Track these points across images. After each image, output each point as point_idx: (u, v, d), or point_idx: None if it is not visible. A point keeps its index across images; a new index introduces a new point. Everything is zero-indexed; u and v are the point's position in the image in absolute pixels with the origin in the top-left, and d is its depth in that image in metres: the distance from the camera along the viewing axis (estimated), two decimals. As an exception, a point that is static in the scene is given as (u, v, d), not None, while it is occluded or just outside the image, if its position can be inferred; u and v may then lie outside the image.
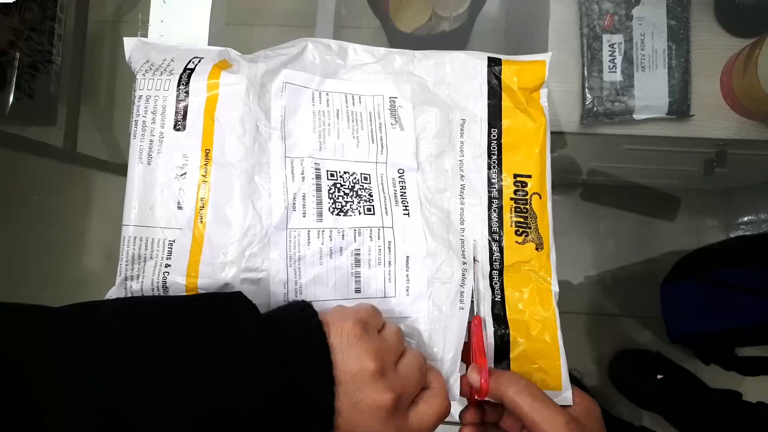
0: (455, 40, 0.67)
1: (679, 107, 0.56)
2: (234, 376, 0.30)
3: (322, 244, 0.43)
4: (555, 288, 0.46)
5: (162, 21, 0.53)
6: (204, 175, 0.43)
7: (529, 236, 0.46)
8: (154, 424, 0.27)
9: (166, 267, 0.42)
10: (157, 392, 0.28)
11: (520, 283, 0.46)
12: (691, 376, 0.80)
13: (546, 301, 0.45)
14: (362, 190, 0.45)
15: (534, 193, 0.47)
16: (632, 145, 0.59)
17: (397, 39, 0.68)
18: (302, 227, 0.43)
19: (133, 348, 0.30)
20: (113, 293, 0.43)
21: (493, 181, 0.47)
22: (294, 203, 0.43)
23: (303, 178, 0.44)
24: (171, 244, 0.42)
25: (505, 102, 0.47)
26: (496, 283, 0.46)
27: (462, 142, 0.48)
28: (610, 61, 0.56)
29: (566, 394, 0.43)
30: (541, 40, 0.60)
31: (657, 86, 0.56)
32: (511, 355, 0.44)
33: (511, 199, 0.47)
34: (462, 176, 0.47)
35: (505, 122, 0.47)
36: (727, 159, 0.61)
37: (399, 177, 0.46)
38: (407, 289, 0.44)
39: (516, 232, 0.46)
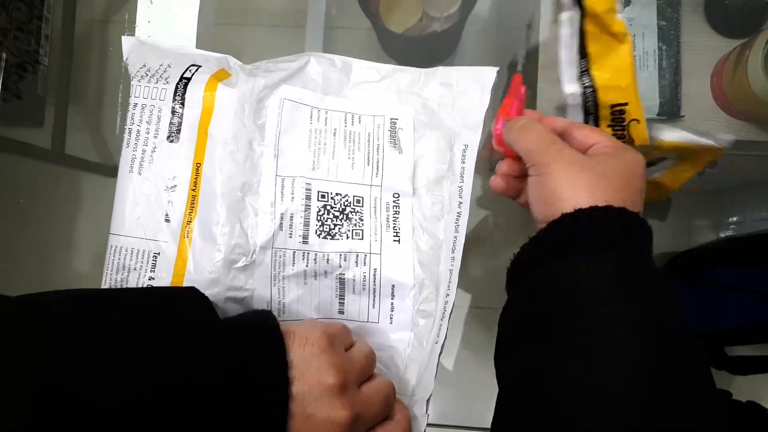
0: (446, 40, 0.67)
1: (670, 108, 0.56)
2: (185, 357, 0.30)
3: (307, 266, 0.42)
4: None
5: (149, 21, 0.53)
6: (193, 190, 0.43)
7: None
8: (98, 400, 0.27)
9: (149, 279, 0.41)
10: (103, 369, 0.28)
11: None
12: (682, 375, 0.80)
13: None
14: (353, 213, 0.44)
15: (632, 120, 0.46)
16: (623, 145, 0.59)
17: (387, 39, 0.67)
18: (288, 248, 0.42)
19: (81, 328, 0.29)
20: None
21: (590, 111, 0.46)
22: (281, 223, 0.42)
23: (293, 198, 0.43)
24: (156, 257, 0.42)
25: (590, 27, 0.44)
26: None
27: (463, 168, 0.46)
28: (600, 62, 0.56)
29: None
30: (532, 41, 0.59)
31: (647, 87, 0.56)
32: None
33: (609, 126, 0.46)
34: (460, 203, 0.46)
35: (593, 50, 0.44)
36: (718, 160, 0.61)
37: (393, 201, 0.45)
38: (391, 318, 0.43)
39: None
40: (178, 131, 0.43)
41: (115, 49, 0.60)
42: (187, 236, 0.42)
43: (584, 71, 0.46)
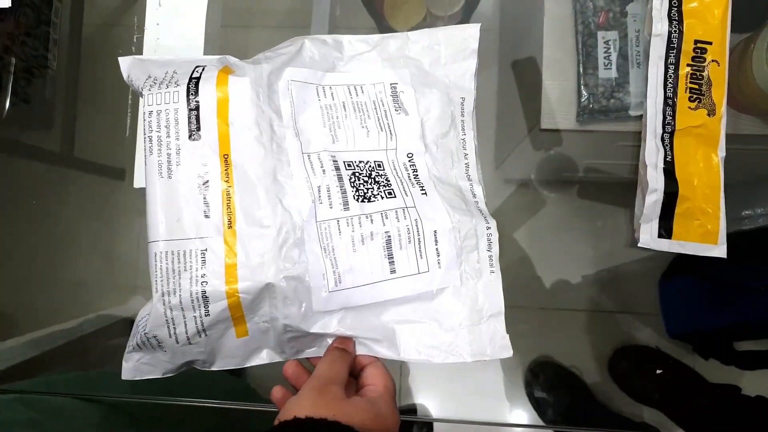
0: (450, 39, 0.67)
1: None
2: None
3: (353, 231, 0.44)
4: (722, 153, 0.50)
5: (158, 24, 0.53)
6: (227, 181, 0.43)
7: (702, 102, 0.50)
8: None
9: (202, 277, 0.42)
10: None
11: (689, 145, 0.50)
12: (690, 371, 0.80)
13: (712, 164, 0.50)
14: (379, 177, 0.46)
15: (712, 61, 0.49)
16: (628, 141, 0.59)
17: (392, 39, 0.68)
18: (331, 218, 0.44)
19: None
20: (149, 311, 0.43)
21: (672, 44, 0.49)
22: (319, 196, 0.44)
23: (323, 171, 0.45)
24: (204, 253, 0.42)
25: None
26: (667, 145, 0.50)
27: (463, 121, 0.49)
28: (605, 58, 0.57)
29: (722, 248, 0.51)
30: (536, 38, 0.60)
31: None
32: (676, 211, 0.51)
33: (688, 65, 0.50)
34: (465, 155, 0.49)
35: None
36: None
37: (409, 161, 0.48)
38: (438, 262, 0.45)
39: (689, 98, 0.50)
40: (198, 128, 0.44)
41: (123, 52, 0.61)
42: (230, 227, 0.42)
43: (674, 6, 0.49)
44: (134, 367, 0.46)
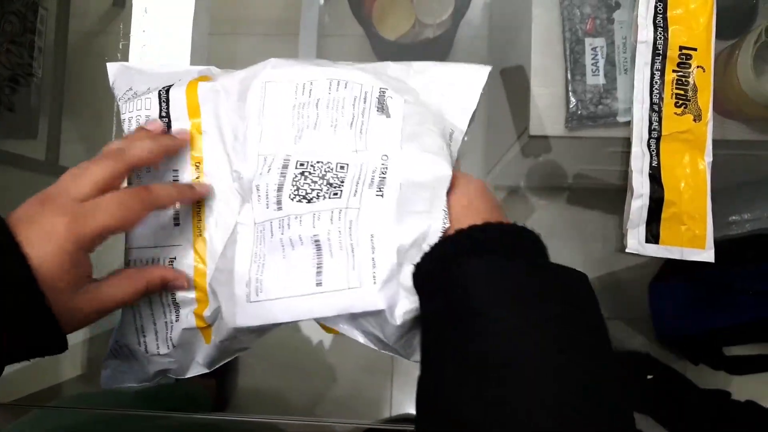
0: (439, 46, 0.67)
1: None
2: None
3: (282, 234, 0.38)
4: (708, 158, 0.50)
5: (144, 31, 0.53)
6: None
7: (688, 108, 0.50)
8: None
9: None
10: None
11: (676, 151, 0.50)
12: (680, 376, 0.80)
13: (699, 169, 0.50)
14: (334, 178, 0.40)
15: (698, 67, 0.50)
16: (617, 147, 0.60)
17: (381, 47, 0.68)
18: (266, 219, 0.39)
19: None
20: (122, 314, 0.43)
21: (658, 51, 0.50)
22: (258, 195, 0.39)
23: (269, 170, 0.40)
24: (172, 262, 0.42)
25: None
26: (653, 150, 0.50)
27: (448, 145, 0.46)
28: (592, 64, 0.57)
29: (710, 253, 0.50)
30: (524, 45, 0.60)
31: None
32: (662, 216, 0.50)
33: (674, 71, 0.50)
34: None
35: None
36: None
37: (382, 164, 0.41)
38: (374, 276, 0.37)
39: (675, 104, 0.50)
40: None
41: (109, 59, 0.60)
42: (200, 235, 0.42)
43: (660, 13, 0.50)
44: (111, 375, 0.45)
